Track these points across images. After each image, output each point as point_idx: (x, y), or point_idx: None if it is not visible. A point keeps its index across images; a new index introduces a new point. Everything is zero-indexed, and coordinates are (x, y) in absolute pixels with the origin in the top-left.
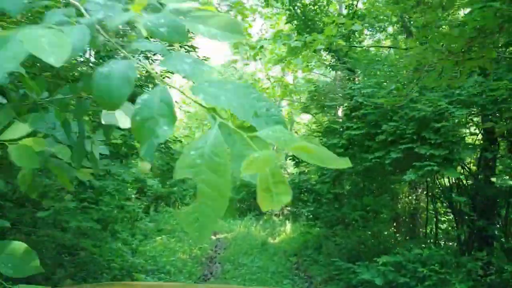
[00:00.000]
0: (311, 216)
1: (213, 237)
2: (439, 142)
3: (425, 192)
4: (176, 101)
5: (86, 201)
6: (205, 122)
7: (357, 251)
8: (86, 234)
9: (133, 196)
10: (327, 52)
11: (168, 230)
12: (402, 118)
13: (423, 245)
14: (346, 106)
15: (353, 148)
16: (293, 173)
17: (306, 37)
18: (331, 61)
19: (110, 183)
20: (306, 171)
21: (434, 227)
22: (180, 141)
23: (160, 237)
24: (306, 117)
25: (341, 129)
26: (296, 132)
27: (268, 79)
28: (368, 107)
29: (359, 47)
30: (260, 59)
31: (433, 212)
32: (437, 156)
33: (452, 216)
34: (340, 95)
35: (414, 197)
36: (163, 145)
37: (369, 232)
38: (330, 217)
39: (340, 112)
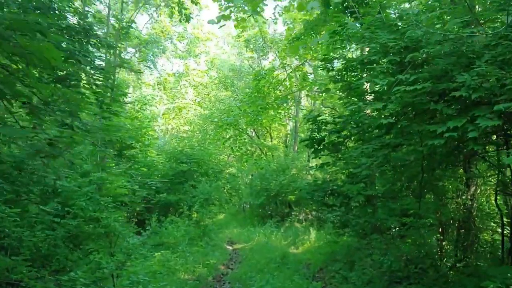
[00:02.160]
0: (338, 223)
1: (229, 248)
2: None
3: (478, 191)
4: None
5: (52, 213)
6: (215, 120)
7: (403, 272)
8: (47, 258)
9: (110, 205)
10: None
11: (171, 243)
12: (491, 63)
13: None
14: (395, 46)
15: (408, 115)
16: (315, 166)
17: None
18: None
19: (82, 190)
20: (332, 170)
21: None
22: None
23: (159, 253)
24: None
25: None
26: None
27: (284, 67)
28: (431, 46)
29: None
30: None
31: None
32: None
33: None
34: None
35: (469, 197)
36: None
37: (409, 240)
38: (362, 224)
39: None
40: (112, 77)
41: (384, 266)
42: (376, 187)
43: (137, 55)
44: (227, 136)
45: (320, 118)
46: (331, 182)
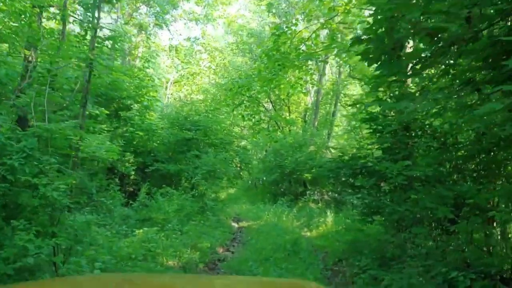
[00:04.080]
0: (366, 208)
1: (235, 225)
2: None
3: None
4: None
5: None
6: (224, 81)
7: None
8: None
9: (53, 166)
10: None
11: (159, 220)
12: None
13: None
14: None
15: None
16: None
17: None
18: None
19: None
20: (365, 141)
21: None
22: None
23: (140, 231)
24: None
25: None
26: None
27: (309, 20)
28: None
29: None
30: None
31: None
32: None
33: None
34: None
35: None
36: None
37: (460, 237)
38: (401, 213)
39: None
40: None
41: (437, 274)
42: (425, 167)
43: (150, 16)
44: (238, 102)
45: None
46: (362, 158)
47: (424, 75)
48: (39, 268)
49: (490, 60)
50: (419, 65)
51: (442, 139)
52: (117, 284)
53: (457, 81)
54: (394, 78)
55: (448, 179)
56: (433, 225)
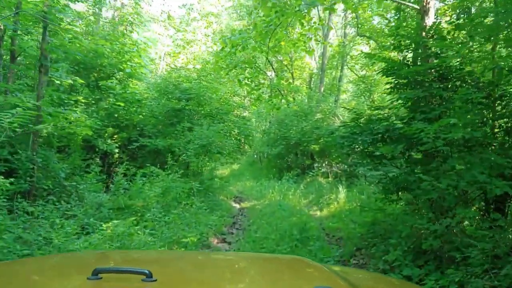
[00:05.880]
0: (390, 184)
1: (236, 206)
2: None
3: None
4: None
5: None
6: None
7: None
8: None
9: None
10: None
11: (138, 207)
12: None
13: None
14: None
15: None
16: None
17: None
18: None
19: None
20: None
21: None
22: None
23: (108, 224)
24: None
25: None
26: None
27: None
28: None
29: None
30: None
31: None
32: None
33: None
34: None
35: None
36: None
37: None
38: (441, 190)
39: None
40: None
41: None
42: (464, 128)
43: None
44: (233, 64)
45: None
46: (384, 120)
47: None
48: None
49: None
50: None
51: (486, 91)
52: (97, 260)
53: None
54: None
55: (492, 142)
56: (482, 206)
